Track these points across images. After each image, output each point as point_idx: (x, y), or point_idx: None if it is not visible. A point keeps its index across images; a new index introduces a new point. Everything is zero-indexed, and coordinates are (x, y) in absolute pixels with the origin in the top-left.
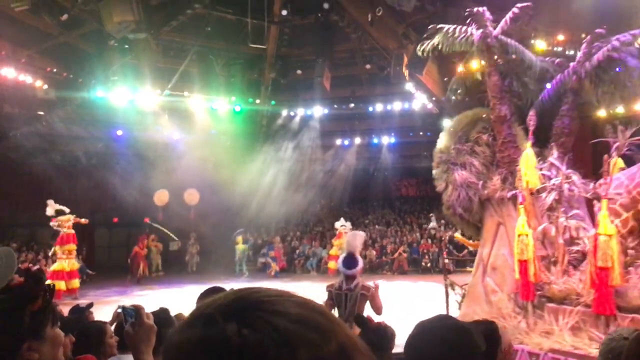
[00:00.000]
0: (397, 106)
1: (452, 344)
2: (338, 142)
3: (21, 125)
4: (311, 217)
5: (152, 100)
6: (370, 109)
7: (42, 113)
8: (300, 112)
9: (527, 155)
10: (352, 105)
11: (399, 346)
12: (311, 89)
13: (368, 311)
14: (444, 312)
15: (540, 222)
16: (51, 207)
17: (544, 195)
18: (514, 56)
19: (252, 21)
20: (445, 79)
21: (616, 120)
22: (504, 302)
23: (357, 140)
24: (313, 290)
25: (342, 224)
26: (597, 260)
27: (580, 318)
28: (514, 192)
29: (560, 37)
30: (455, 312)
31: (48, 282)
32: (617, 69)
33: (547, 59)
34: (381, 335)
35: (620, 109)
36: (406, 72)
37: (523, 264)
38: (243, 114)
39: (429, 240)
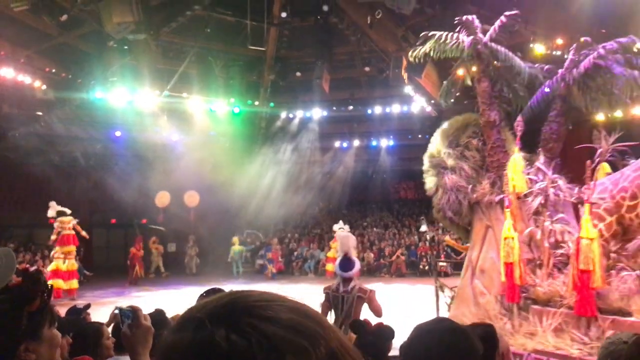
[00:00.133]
0: (396, 109)
1: (451, 346)
2: (337, 144)
3: (20, 125)
4: (309, 219)
5: (151, 101)
6: (369, 111)
7: (40, 113)
8: (299, 114)
9: (515, 160)
10: (351, 107)
11: (394, 349)
12: (310, 91)
13: (365, 314)
14: (436, 314)
15: (527, 226)
16: (52, 209)
17: (530, 199)
18: (503, 63)
19: (251, 23)
20: (444, 82)
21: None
22: (492, 304)
23: (356, 143)
24: (310, 293)
25: (340, 227)
26: (579, 263)
27: (563, 319)
28: (502, 196)
29: (559, 41)
30: (444, 314)
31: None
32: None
33: (537, 65)
34: (383, 336)
35: (618, 113)
36: (405, 75)
37: (509, 267)
38: (242, 115)
39: (427, 243)
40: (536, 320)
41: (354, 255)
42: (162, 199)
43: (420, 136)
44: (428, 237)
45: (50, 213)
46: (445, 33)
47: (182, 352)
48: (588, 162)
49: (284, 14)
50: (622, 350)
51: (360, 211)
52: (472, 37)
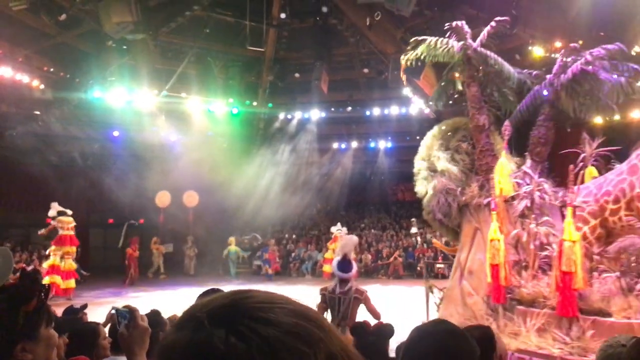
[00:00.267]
0: (394, 110)
1: (450, 348)
2: (335, 145)
3: (17, 124)
4: (307, 221)
5: (149, 101)
6: (368, 113)
7: (38, 113)
8: (298, 115)
9: (502, 164)
10: (349, 109)
11: (390, 350)
12: (309, 92)
13: (362, 315)
14: (431, 315)
15: (514, 228)
16: (54, 209)
17: (516, 202)
18: (492, 68)
19: (250, 24)
20: (443, 84)
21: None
22: (479, 305)
23: (354, 144)
24: (307, 294)
25: (338, 229)
26: (561, 264)
27: (546, 320)
28: (490, 198)
29: (558, 44)
30: (434, 315)
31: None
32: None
33: (525, 70)
34: (383, 335)
35: (617, 117)
36: (404, 77)
37: (495, 268)
38: (240, 116)
39: (425, 245)
40: (520, 321)
41: (352, 257)
42: (163, 198)
43: (418, 138)
44: (419, 239)
45: (51, 213)
46: (436, 38)
47: (180, 352)
48: (571, 166)
49: (283, 15)
50: (621, 353)
51: (358, 212)
52: (462, 42)
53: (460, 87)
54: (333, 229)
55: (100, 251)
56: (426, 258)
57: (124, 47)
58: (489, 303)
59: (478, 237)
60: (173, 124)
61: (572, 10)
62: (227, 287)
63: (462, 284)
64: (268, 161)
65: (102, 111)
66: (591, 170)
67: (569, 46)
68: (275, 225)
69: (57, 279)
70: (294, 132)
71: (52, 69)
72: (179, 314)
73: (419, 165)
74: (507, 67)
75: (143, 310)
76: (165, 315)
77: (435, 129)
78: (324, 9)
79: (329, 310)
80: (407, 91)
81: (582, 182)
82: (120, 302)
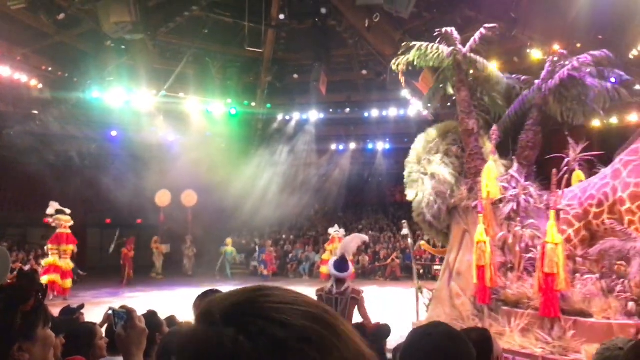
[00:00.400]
0: (392, 112)
1: (447, 350)
2: (333, 146)
3: (15, 124)
4: (305, 222)
5: (147, 101)
6: (366, 114)
7: (36, 112)
8: (296, 116)
9: (489, 168)
10: (347, 110)
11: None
12: (307, 93)
13: (358, 316)
14: (421, 316)
15: (500, 231)
16: (52, 207)
17: (503, 205)
18: (481, 73)
19: (249, 24)
20: (441, 86)
21: (610, 130)
22: (467, 306)
23: (352, 146)
24: None
25: (335, 230)
26: (544, 266)
27: (530, 320)
28: (478, 201)
29: (557, 47)
30: (423, 315)
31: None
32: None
33: (514, 76)
34: (380, 335)
35: (614, 120)
36: (402, 79)
37: (481, 270)
38: (238, 116)
39: (412, 246)
40: (505, 321)
41: (350, 257)
42: (163, 198)
43: (416, 140)
44: (410, 240)
45: (49, 211)
46: (427, 43)
47: (192, 345)
48: (554, 171)
49: (282, 16)
50: (618, 356)
51: (356, 214)
52: (451, 47)
53: (451, 91)
54: (331, 230)
55: (98, 251)
56: (423, 260)
57: (123, 47)
58: (475, 304)
59: (467, 239)
60: (171, 124)
61: (570, 13)
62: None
63: (451, 285)
64: (266, 162)
65: (100, 111)
66: (579, 174)
67: (557, 52)
68: (273, 225)
69: (57, 278)
70: (292, 133)
71: (50, 69)
72: (177, 315)
73: (410, 168)
74: (496, 72)
75: (140, 311)
76: (162, 316)
77: (426, 133)
78: (323, 11)
79: None
80: (405, 93)
81: (570, 185)
82: (117, 302)
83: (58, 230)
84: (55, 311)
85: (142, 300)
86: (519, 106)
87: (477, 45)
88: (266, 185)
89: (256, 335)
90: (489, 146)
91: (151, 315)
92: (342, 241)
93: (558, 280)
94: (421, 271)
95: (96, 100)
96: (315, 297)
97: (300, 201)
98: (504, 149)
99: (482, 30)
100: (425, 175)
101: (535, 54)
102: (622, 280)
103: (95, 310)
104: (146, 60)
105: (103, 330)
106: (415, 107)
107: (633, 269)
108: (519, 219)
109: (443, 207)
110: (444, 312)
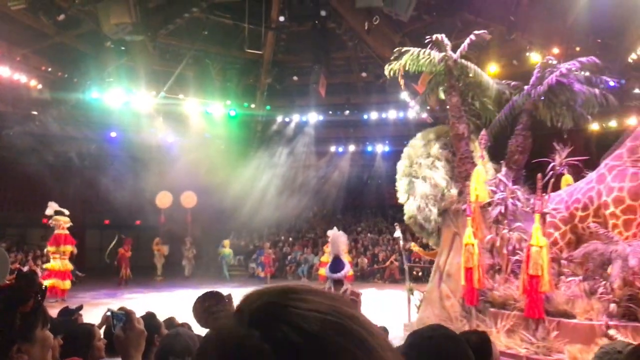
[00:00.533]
0: (392, 115)
1: (447, 353)
2: (332, 149)
3: (14, 124)
4: (303, 223)
5: (147, 102)
6: (365, 116)
7: (35, 113)
8: (295, 118)
9: (478, 171)
10: (347, 112)
11: None
12: (307, 95)
13: None
14: (407, 317)
15: (489, 233)
16: (51, 208)
17: (491, 208)
18: (472, 78)
19: (249, 26)
20: (441, 88)
21: (609, 133)
22: (456, 307)
23: (352, 148)
24: None
25: (334, 232)
26: (528, 268)
27: (515, 321)
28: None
29: (555, 50)
30: (414, 316)
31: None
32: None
33: (504, 81)
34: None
35: (613, 123)
36: (402, 81)
37: (469, 271)
38: (238, 118)
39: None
40: (492, 322)
41: (344, 257)
42: (164, 199)
43: None
44: (402, 242)
45: (48, 211)
46: (419, 49)
47: (219, 340)
48: (539, 175)
49: (281, 18)
50: None
51: (355, 216)
52: (442, 53)
53: (442, 96)
54: (329, 233)
55: (96, 252)
56: (422, 262)
57: (122, 48)
58: (464, 305)
59: (457, 242)
60: (171, 125)
61: (569, 17)
62: (224, 290)
63: (441, 286)
64: (265, 164)
65: (99, 112)
66: (567, 178)
67: (545, 59)
68: (272, 227)
69: (59, 282)
70: (291, 135)
71: (50, 69)
72: (176, 316)
73: (402, 171)
74: (486, 77)
75: (138, 312)
76: (161, 317)
77: (417, 137)
78: (323, 13)
79: None
80: (404, 95)
81: (558, 189)
82: (115, 303)
83: (56, 231)
84: (54, 312)
85: (140, 302)
86: (508, 111)
87: (467, 51)
88: (265, 187)
89: (279, 342)
90: (478, 150)
91: (150, 317)
92: (330, 241)
93: (542, 282)
94: (420, 273)
95: (96, 101)
96: None
97: (299, 203)
98: (496, 153)
99: (471, 36)
100: (417, 178)
101: (535, 57)
102: (604, 282)
103: (94, 311)
104: (146, 62)
105: (101, 331)
106: (414, 110)
107: (614, 271)
108: (506, 222)
109: (434, 210)
110: (434, 314)
